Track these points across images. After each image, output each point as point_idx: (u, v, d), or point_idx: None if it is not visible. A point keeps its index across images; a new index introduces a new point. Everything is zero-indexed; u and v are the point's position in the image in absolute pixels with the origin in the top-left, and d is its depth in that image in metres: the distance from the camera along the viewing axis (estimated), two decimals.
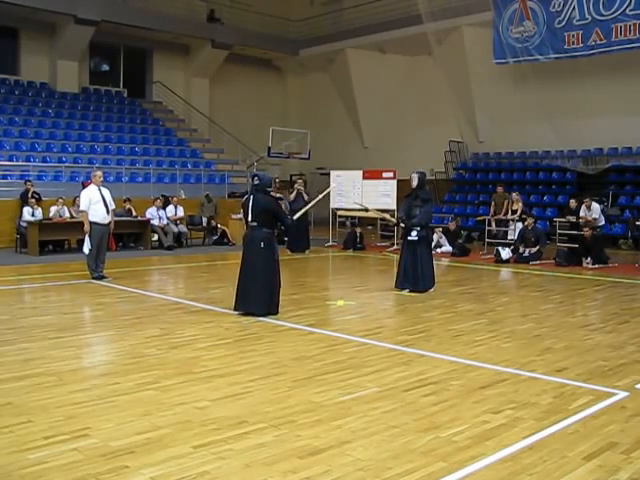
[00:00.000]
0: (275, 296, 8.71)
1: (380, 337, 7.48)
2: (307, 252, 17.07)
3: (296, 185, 18.22)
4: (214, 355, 6.56)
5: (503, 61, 21.84)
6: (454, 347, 7.01)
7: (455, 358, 6.52)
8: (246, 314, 8.56)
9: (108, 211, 11.61)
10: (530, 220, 15.77)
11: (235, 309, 8.72)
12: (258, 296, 8.51)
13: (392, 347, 6.97)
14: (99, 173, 11.85)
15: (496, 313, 9.12)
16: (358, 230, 18.42)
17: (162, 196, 18.96)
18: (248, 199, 8.77)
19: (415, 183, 10.78)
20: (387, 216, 13.46)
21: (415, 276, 10.64)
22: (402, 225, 10.95)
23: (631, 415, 4.93)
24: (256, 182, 8.71)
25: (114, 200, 12.05)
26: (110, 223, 11.74)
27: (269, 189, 8.93)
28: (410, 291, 10.59)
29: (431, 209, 11.14)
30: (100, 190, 11.60)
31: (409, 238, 10.65)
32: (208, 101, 28.18)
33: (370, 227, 22.77)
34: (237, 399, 5.18)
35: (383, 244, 19.01)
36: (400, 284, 10.75)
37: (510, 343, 7.24)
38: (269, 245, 8.60)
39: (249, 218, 8.66)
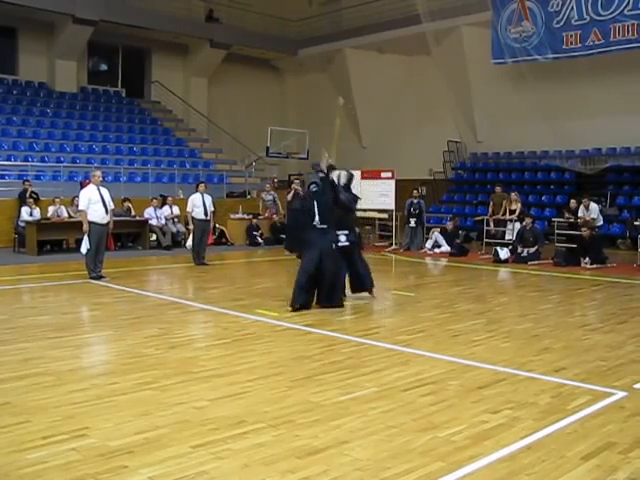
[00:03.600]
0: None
1: (378, 337, 7.49)
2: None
3: (293, 185, 18.23)
4: (212, 355, 6.57)
5: (501, 61, 21.83)
6: (452, 347, 7.01)
7: (453, 358, 6.52)
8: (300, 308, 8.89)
9: (107, 211, 11.62)
10: (528, 220, 15.78)
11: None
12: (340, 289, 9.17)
13: (390, 347, 6.98)
14: (98, 173, 11.85)
15: (494, 313, 9.13)
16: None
17: (160, 196, 18.97)
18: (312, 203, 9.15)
19: (343, 181, 10.01)
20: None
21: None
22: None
23: (629, 415, 4.94)
24: (314, 189, 9.16)
25: (112, 200, 12.05)
26: (109, 223, 11.74)
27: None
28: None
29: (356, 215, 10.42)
30: (99, 190, 11.60)
31: (340, 244, 9.64)
32: (207, 101, 28.15)
33: (368, 227, 22.75)
34: (235, 399, 5.19)
35: (382, 244, 19.01)
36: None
37: (508, 343, 7.25)
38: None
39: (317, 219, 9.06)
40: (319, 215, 9.01)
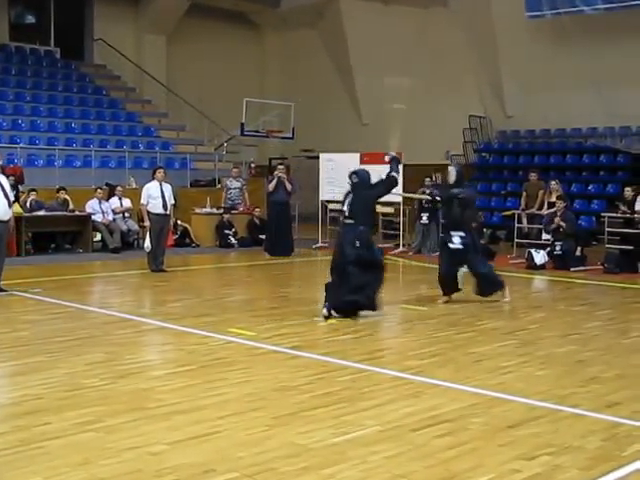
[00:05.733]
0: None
1: (382, 362, 7.50)
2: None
3: (276, 172, 18.20)
4: (173, 386, 6.56)
5: (538, 14, 21.87)
6: (475, 375, 7.03)
7: (477, 389, 6.53)
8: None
9: (10, 204, 11.33)
10: (560, 203, 15.74)
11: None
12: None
13: (397, 375, 6.99)
14: None
15: (528, 332, 9.14)
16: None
17: (106, 185, 18.90)
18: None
19: (453, 178, 11.10)
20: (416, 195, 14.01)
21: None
22: (437, 198, 11.90)
23: None
24: (355, 180, 10.00)
25: (43, 190, 11.89)
26: (9, 220, 11.48)
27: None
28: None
29: (475, 212, 11.70)
30: None
31: (451, 246, 10.78)
32: (165, 65, 28.08)
33: None
34: (202, 441, 5.17)
35: (386, 245, 19.00)
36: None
37: (546, 370, 7.27)
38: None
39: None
40: (350, 208, 9.86)
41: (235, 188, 20.31)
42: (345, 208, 9.96)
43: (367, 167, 17.92)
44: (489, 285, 10.98)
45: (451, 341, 8.56)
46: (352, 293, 9.56)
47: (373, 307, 9.73)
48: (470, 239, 10.81)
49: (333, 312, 9.55)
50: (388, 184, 10.32)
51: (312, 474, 4.63)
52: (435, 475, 4.64)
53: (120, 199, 18.28)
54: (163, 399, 6.13)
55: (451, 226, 11.00)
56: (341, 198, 18.02)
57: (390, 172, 10.30)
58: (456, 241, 10.68)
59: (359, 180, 9.97)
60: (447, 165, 24.29)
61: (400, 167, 10.92)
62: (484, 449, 5.10)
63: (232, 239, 19.12)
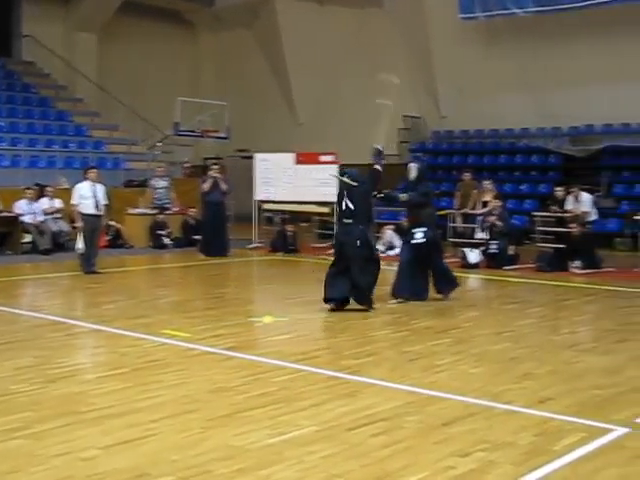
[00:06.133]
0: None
1: (318, 362, 7.51)
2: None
3: (211, 172, 18.10)
4: (106, 389, 6.48)
5: (471, 16, 22.11)
6: (410, 374, 7.07)
7: (411, 387, 6.57)
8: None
9: None
10: (496, 202, 15.91)
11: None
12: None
13: (333, 375, 7.00)
14: None
15: (462, 331, 9.24)
16: (290, 228, 18.40)
17: (36, 185, 18.60)
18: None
19: (414, 175, 11.55)
20: None
21: (422, 284, 11.18)
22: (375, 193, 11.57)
23: (632, 456, 5.02)
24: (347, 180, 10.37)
25: None
26: None
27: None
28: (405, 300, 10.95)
29: (434, 209, 11.98)
30: None
31: (414, 242, 10.97)
32: (96, 63, 27.74)
33: (305, 224, 22.77)
34: (135, 445, 5.11)
35: (322, 245, 19.04)
36: (400, 290, 11.07)
37: (480, 368, 7.35)
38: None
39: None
40: (347, 207, 10.19)
41: (162, 187, 20.07)
42: (343, 208, 10.25)
43: (301, 167, 18.41)
44: (446, 283, 11.28)
45: (386, 340, 8.63)
46: (351, 289, 10.12)
47: (369, 305, 10.25)
48: (432, 234, 11.08)
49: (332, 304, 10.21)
50: (373, 177, 10.87)
51: (248, 475, 4.61)
52: (371, 474, 4.65)
53: (51, 199, 18.02)
54: (95, 403, 6.05)
55: (412, 226, 11.19)
56: (276, 198, 18.53)
57: (374, 165, 10.81)
58: (418, 236, 10.93)
59: (351, 179, 10.30)
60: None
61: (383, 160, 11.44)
62: (419, 447, 5.14)
63: (166, 240, 18.95)
